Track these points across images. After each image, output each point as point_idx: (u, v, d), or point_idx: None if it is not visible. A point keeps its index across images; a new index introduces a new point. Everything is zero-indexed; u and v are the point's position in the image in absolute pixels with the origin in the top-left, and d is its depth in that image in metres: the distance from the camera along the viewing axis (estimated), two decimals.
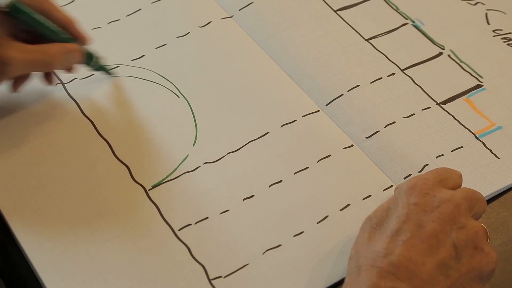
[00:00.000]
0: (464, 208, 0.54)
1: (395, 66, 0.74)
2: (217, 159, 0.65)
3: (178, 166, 0.64)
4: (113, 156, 0.65)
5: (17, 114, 0.67)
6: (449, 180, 0.57)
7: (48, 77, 0.68)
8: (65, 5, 0.77)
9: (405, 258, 0.51)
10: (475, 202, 0.56)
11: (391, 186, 0.64)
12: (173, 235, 0.60)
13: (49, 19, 0.64)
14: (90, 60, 0.68)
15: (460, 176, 0.59)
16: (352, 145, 0.67)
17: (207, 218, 0.61)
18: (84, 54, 0.66)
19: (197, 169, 0.64)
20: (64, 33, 0.65)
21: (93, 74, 0.71)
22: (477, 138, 0.68)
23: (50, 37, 0.64)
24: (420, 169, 0.65)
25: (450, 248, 0.52)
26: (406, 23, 0.79)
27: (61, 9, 0.65)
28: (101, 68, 0.70)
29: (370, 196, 0.63)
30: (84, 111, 0.68)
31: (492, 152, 0.67)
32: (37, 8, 0.63)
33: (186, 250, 0.59)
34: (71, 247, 0.58)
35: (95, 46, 0.73)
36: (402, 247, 0.52)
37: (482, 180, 0.65)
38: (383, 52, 0.75)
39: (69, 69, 0.67)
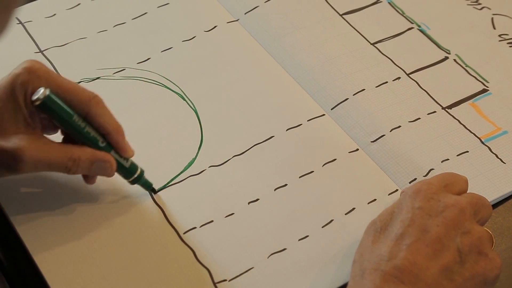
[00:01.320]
0: (469, 213, 0.54)
1: (401, 70, 0.74)
2: (222, 162, 0.65)
3: (183, 170, 0.64)
4: None
5: None
6: (454, 185, 0.57)
7: (87, 177, 0.60)
8: (71, 8, 0.77)
9: (409, 262, 0.51)
10: (481, 208, 0.56)
11: (396, 190, 0.64)
12: (178, 238, 0.60)
13: (93, 123, 0.57)
14: (131, 175, 0.60)
15: (466, 182, 0.59)
16: (357, 149, 0.67)
17: (212, 221, 0.61)
18: (119, 166, 0.59)
19: (202, 173, 0.64)
20: (103, 142, 0.58)
21: (98, 77, 0.71)
22: (482, 142, 0.68)
23: (85, 143, 0.57)
24: (425, 174, 0.65)
25: (454, 252, 0.52)
26: (412, 28, 0.79)
27: (111, 114, 0.58)
28: (141, 183, 0.61)
29: (375, 200, 0.63)
30: None
31: (497, 157, 0.67)
32: (82, 109, 0.56)
33: (191, 253, 0.59)
34: (75, 250, 0.58)
35: (100, 49, 0.73)
36: (406, 251, 0.51)
37: (488, 185, 0.65)
38: (389, 56, 0.75)
39: (91, 179, 0.60)
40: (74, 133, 0.57)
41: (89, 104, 0.57)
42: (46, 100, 0.55)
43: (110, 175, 0.59)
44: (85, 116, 0.57)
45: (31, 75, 0.55)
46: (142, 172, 0.61)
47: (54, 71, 0.71)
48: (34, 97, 0.55)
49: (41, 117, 0.57)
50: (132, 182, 0.61)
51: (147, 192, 0.62)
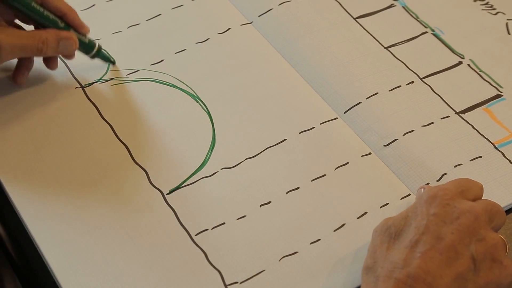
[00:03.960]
0: (483, 220, 0.54)
1: (414, 74, 0.74)
2: (234, 164, 0.65)
3: (195, 171, 0.64)
4: (131, 160, 0.65)
5: (36, 118, 0.67)
6: (470, 191, 0.57)
7: (49, 61, 0.69)
8: (86, 9, 0.77)
9: (423, 270, 0.51)
10: (495, 214, 0.56)
11: (409, 194, 0.64)
12: (190, 240, 0.60)
13: (47, 8, 0.66)
14: (90, 49, 0.70)
15: (482, 188, 0.58)
16: (370, 153, 0.67)
17: (224, 223, 0.61)
18: (80, 43, 0.68)
19: (214, 175, 0.64)
20: (62, 22, 0.67)
21: (112, 79, 0.71)
22: (496, 148, 0.68)
23: (47, 26, 0.66)
24: (438, 178, 0.65)
25: (468, 260, 0.52)
26: (426, 32, 0.78)
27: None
28: (101, 57, 0.71)
29: (387, 204, 0.63)
30: (103, 115, 0.68)
31: (511, 163, 0.67)
32: None
33: (203, 255, 0.59)
34: (87, 249, 0.59)
35: (115, 50, 0.73)
36: (420, 259, 0.51)
37: (501, 190, 0.65)
38: (402, 60, 0.75)
39: (66, 57, 0.69)
40: (36, 17, 0.65)
41: None
42: None
43: (73, 50, 0.68)
44: (41, 3, 0.66)
45: None
46: (100, 46, 0.70)
47: (68, 71, 0.71)
48: None
49: (2, 12, 0.65)
50: (93, 57, 0.70)
51: (160, 194, 0.63)
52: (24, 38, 0.64)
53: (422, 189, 0.59)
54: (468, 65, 0.75)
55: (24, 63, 0.68)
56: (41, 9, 0.66)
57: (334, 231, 0.61)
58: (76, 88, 0.70)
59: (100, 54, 0.71)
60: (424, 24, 0.79)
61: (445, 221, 0.53)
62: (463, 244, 0.52)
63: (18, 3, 0.64)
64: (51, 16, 0.66)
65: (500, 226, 0.57)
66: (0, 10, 0.65)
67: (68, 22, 0.67)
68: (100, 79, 0.71)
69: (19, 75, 0.68)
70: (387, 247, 0.54)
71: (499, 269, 0.53)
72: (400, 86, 0.73)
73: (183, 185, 0.64)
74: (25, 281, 0.59)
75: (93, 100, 0.69)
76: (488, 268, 0.52)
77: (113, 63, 0.72)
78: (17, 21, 0.68)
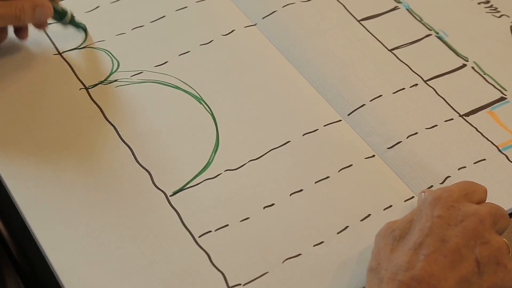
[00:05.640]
0: (488, 223, 0.54)
1: (418, 77, 0.74)
2: (238, 166, 0.65)
3: (199, 173, 0.64)
4: (135, 161, 0.65)
5: (39, 120, 0.67)
6: (474, 194, 0.57)
7: (21, 32, 0.72)
8: (90, 11, 0.77)
9: (427, 273, 0.51)
10: (499, 218, 0.56)
11: (412, 197, 0.64)
12: (193, 242, 0.60)
13: None
14: (63, 16, 0.72)
15: (485, 191, 0.58)
16: (373, 155, 0.67)
17: (227, 225, 0.61)
18: (55, 10, 0.71)
19: (218, 176, 0.64)
20: None
21: (116, 80, 0.71)
22: (500, 151, 0.68)
23: None
24: (442, 181, 0.65)
25: (472, 263, 0.52)
26: (430, 34, 0.78)
27: None
28: (73, 24, 0.74)
29: (391, 206, 0.63)
30: (107, 116, 0.68)
31: None
32: None
33: (206, 257, 0.59)
34: (91, 250, 0.59)
35: (119, 52, 0.74)
36: (424, 261, 0.51)
37: (505, 193, 0.64)
38: (406, 63, 0.75)
39: (40, 25, 0.71)
40: None
41: None
42: None
43: (48, 17, 0.70)
44: None
45: None
46: (72, 13, 0.73)
47: (74, 75, 0.71)
48: None
49: None
50: (65, 23, 0.73)
51: (163, 195, 0.63)
52: (2, 7, 0.67)
53: (423, 193, 0.59)
54: (472, 67, 0.75)
55: None
56: None
57: (337, 233, 0.61)
58: (80, 89, 0.70)
59: (72, 22, 0.74)
60: (428, 27, 0.79)
61: (449, 223, 0.53)
62: (467, 247, 0.52)
63: None
64: None
65: (504, 230, 0.57)
66: None
67: None
68: (104, 80, 0.71)
69: (23, 32, 0.71)
70: (390, 249, 0.54)
71: (503, 272, 0.53)
72: (404, 88, 0.73)
73: (186, 186, 0.64)
74: (27, 282, 0.59)
75: (97, 101, 0.69)
76: (492, 272, 0.52)
77: (85, 30, 0.75)
78: None
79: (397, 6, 0.81)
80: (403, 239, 0.54)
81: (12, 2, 0.68)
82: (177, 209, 0.62)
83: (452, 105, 0.72)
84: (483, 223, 0.54)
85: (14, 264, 0.60)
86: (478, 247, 0.53)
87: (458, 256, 0.52)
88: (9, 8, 0.67)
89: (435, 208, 0.54)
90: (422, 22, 0.80)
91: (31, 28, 0.72)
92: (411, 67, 0.75)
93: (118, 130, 0.67)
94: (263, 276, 0.58)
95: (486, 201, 0.58)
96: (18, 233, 0.61)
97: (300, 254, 0.60)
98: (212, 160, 0.66)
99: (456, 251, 0.52)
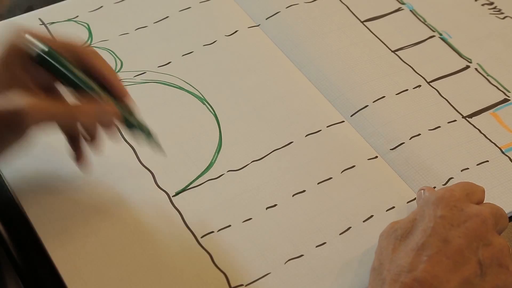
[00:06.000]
0: (490, 224, 0.54)
1: (422, 78, 0.74)
2: (241, 167, 0.65)
3: (202, 173, 0.65)
4: (138, 161, 0.65)
5: None
6: (474, 194, 0.57)
7: (78, 152, 0.59)
8: (93, 11, 0.78)
9: (430, 274, 0.50)
10: (499, 218, 0.56)
11: (415, 198, 0.64)
12: (196, 242, 0.60)
13: (86, 70, 0.57)
14: (130, 124, 0.59)
15: (484, 192, 0.59)
16: (376, 157, 0.67)
17: (229, 226, 0.61)
18: (121, 115, 0.58)
19: (220, 177, 0.64)
20: (101, 90, 0.57)
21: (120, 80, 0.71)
22: (503, 152, 0.68)
23: (84, 91, 0.57)
24: (444, 182, 0.65)
25: (475, 265, 0.52)
26: (433, 36, 0.78)
27: (105, 62, 0.58)
28: (141, 129, 0.60)
29: (393, 207, 0.63)
30: None
31: None
32: (78, 61, 0.57)
33: (208, 257, 0.59)
34: (92, 249, 0.59)
35: (122, 52, 0.74)
36: (427, 262, 0.51)
37: (507, 195, 0.64)
38: (410, 64, 0.75)
39: (104, 127, 0.58)
40: (75, 84, 0.56)
41: (85, 55, 0.57)
42: (45, 53, 0.55)
43: (112, 121, 0.57)
44: (82, 67, 0.57)
45: (22, 39, 0.55)
46: (139, 119, 0.60)
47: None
48: (34, 53, 0.55)
49: (38, 78, 0.56)
50: (130, 127, 0.59)
51: (166, 196, 0.63)
52: (56, 107, 0.55)
53: (422, 190, 0.59)
54: (476, 69, 0.75)
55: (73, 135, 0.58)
56: (82, 75, 0.56)
57: (339, 234, 0.61)
58: None
59: (138, 125, 0.60)
60: (432, 28, 0.79)
61: (452, 223, 0.53)
62: (470, 248, 0.52)
63: (55, 68, 0.55)
64: (90, 83, 0.57)
65: (503, 230, 0.57)
66: (35, 73, 0.55)
67: (108, 88, 0.58)
68: None
69: (78, 155, 0.60)
70: (392, 248, 0.54)
71: (505, 274, 0.53)
72: (407, 89, 0.73)
73: (189, 187, 0.64)
74: (27, 282, 0.59)
75: None
76: (495, 274, 0.52)
77: (150, 135, 0.61)
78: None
79: (400, 7, 0.81)
80: (406, 239, 0.54)
81: (72, 102, 0.57)
82: (179, 209, 0.62)
83: (455, 107, 0.72)
84: (485, 224, 0.54)
85: (14, 265, 0.60)
86: (481, 248, 0.53)
87: (461, 257, 0.52)
88: (65, 108, 0.55)
89: (437, 208, 0.54)
90: (426, 23, 0.80)
91: None
92: (415, 68, 0.75)
93: (121, 130, 0.67)
94: (265, 277, 0.58)
95: (486, 201, 0.58)
96: (18, 233, 0.61)
97: (302, 255, 0.60)
98: (215, 160, 0.66)
99: (459, 252, 0.52)
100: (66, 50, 0.56)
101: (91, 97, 0.56)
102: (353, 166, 0.66)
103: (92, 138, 0.58)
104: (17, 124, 0.53)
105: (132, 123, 0.59)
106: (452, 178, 0.65)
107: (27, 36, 0.55)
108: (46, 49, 0.55)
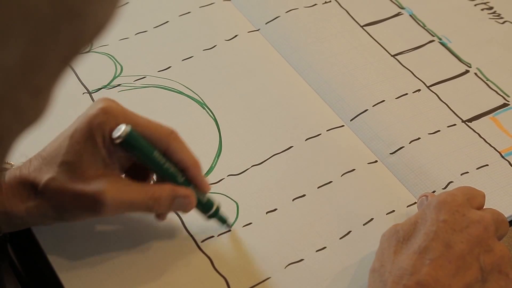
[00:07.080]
0: (492, 231, 0.54)
1: (421, 82, 0.74)
2: (241, 171, 0.65)
3: None
4: None
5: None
6: (475, 199, 0.57)
7: (159, 214, 0.59)
8: None
9: (432, 278, 0.50)
10: (500, 224, 0.56)
11: (415, 203, 0.64)
12: (196, 247, 0.60)
13: (170, 159, 0.56)
14: (208, 209, 0.59)
15: (484, 197, 0.59)
16: (376, 161, 0.67)
17: (229, 230, 0.61)
18: (198, 202, 0.58)
19: (220, 181, 0.64)
20: (182, 177, 0.57)
21: (119, 85, 0.71)
22: (502, 157, 0.68)
23: (164, 179, 0.57)
24: (444, 186, 0.65)
25: (477, 271, 0.52)
26: (433, 40, 0.79)
27: (188, 149, 0.57)
28: (217, 218, 0.60)
29: (393, 211, 0.63)
30: None
31: None
32: (161, 145, 0.56)
33: (209, 262, 0.59)
34: (93, 255, 0.59)
35: (122, 57, 0.74)
36: (430, 266, 0.51)
37: (507, 199, 0.64)
38: (409, 68, 0.75)
39: (180, 212, 0.60)
40: (154, 169, 0.56)
41: (168, 140, 0.56)
42: (127, 137, 0.54)
43: (188, 210, 0.57)
44: (164, 152, 0.56)
45: (108, 115, 0.54)
46: (218, 207, 0.59)
47: (77, 79, 0.71)
48: (116, 135, 0.53)
49: (118, 156, 0.55)
50: (209, 217, 0.59)
51: None
52: (134, 192, 0.55)
53: (424, 197, 0.59)
54: (475, 73, 0.75)
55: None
56: (162, 161, 0.55)
57: (340, 238, 0.61)
58: (83, 93, 0.70)
59: (217, 215, 0.60)
60: (431, 33, 0.79)
61: (454, 228, 0.53)
62: (472, 254, 0.52)
63: (137, 152, 0.55)
64: (171, 169, 0.56)
65: (504, 235, 0.57)
66: (117, 154, 0.55)
67: (189, 177, 0.57)
68: (107, 85, 0.71)
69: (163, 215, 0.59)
70: (394, 250, 0.54)
71: (505, 281, 0.53)
72: (406, 94, 0.73)
73: None
74: (26, 283, 0.59)
75: None
76: (495, 280, 0.52)
77: (229, 226, 0.61)
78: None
79: (400, 12, 0.81)
80: (408, 242, 0.54)
81: (149, 187, 0.56)
82: (179, 214, 0.62)
83: (455, 111, 0.72)
84: (487, 231, 0.54)
85: (13, 265, 0.60)
86: (482, 254, 0.53)
87: (463, 262, 0.52)
88: (143, 194, 0.55)
89: (440, 212, 0.54)
90: (425, 28, 0.80)
91: None
92: (414, 73, 0.75)
93: None
94: (265, 281, 0.58)
95: (486, 205, 0.58)
96: (18, 237, 0.61)
97: (302, 259, 0.60)
98: (215, 165, 0.66)
99: (461, 257, 0.52)
100: (150, 130, 0.56)
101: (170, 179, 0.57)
102: (353, 170, 0.66)
103: (161, 218, 0.59)
104: (94, 210, 0.53)
105: (208, 211, 0.59)
106: (451, 182, 0.65)
107: (120, 124, 0.54)
108: (129, 131, 0.54)
